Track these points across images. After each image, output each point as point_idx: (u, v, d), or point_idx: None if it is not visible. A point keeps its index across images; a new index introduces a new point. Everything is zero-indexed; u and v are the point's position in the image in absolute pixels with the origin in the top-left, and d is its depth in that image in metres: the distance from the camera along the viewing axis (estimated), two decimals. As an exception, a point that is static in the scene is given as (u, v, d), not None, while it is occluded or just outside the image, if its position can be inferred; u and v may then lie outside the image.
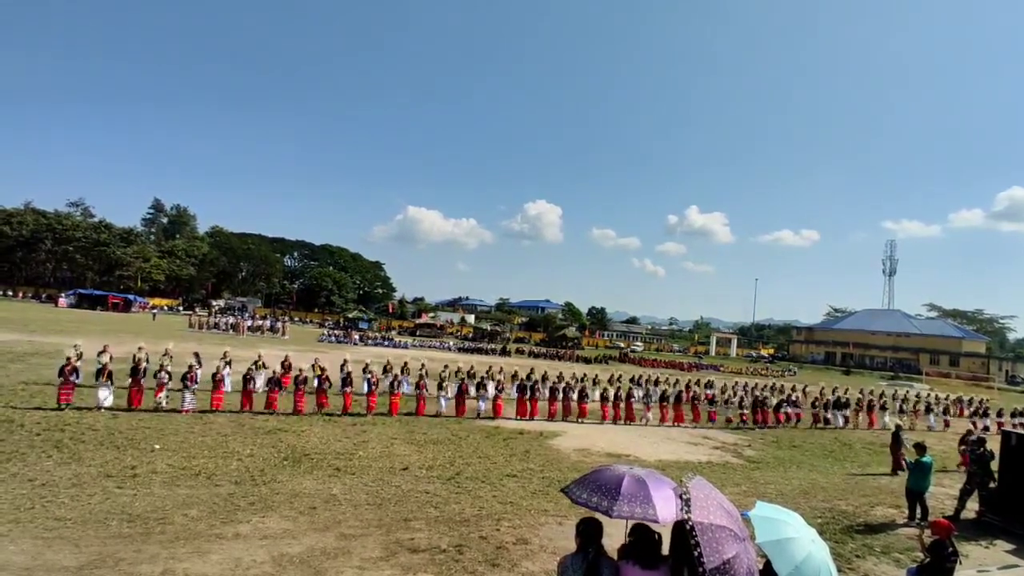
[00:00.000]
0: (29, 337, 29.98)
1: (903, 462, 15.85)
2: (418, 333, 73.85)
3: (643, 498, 3.42)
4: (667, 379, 32.19)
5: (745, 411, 24.05)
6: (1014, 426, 25.63)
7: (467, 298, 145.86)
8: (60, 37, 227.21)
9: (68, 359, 15.47)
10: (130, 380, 15.98)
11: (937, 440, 22.75)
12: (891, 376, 72.26)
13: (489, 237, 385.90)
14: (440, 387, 20.38)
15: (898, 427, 17.51)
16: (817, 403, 26.52)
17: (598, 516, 3.70)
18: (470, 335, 78.14)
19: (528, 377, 24.82)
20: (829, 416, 25.58)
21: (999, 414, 30.59)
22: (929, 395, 39.01)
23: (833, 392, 30.23)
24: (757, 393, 28.65)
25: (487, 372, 24.57)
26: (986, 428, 26.94)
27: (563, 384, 22.63)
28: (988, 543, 10.18)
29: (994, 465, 11.70)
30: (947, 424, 27.91)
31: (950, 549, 6.72)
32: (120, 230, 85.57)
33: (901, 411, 28.79)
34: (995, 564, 8.83)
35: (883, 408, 27.89)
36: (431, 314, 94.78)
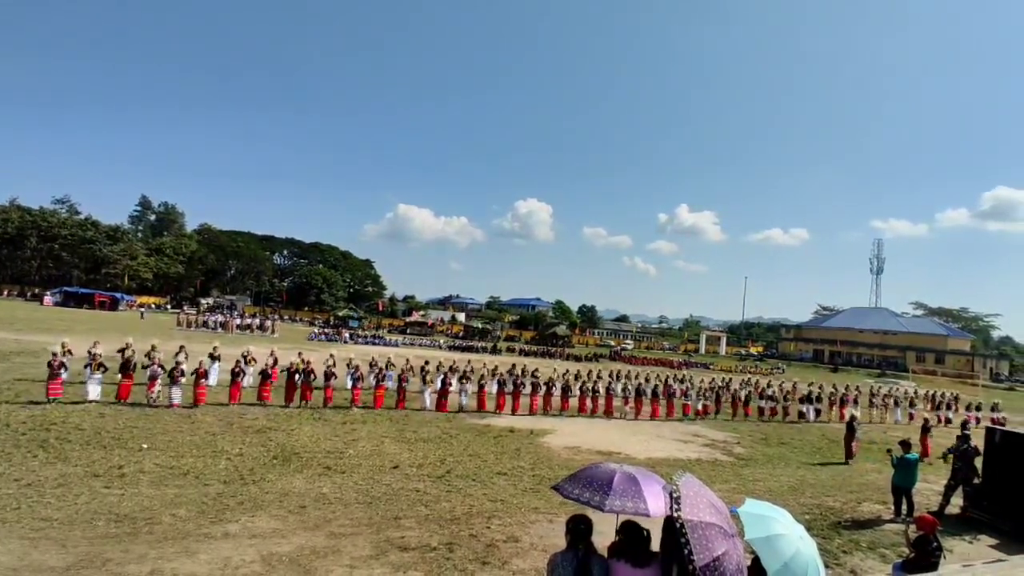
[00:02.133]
0: (14, 336, 29.62)
1: (855, 450, 17.14)
2: (408, 331, 73.63)
3: (634, 493, 3.43)
4: (646, 375, 32.73)
5: (708, 403, 25.00)
6: (993, 420, 26.28)
7: (458, 296, 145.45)
8: (47, 36, 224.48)
9: (54, 354, 15.58)
10: (120, 375, 16.27)
11: (903, 432, 23.09)
12: (878, 373, 72.94)
13: (480, 235, 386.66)
14: (424, 381, 20.58)
15: (852, 418, 18.23)
16: (790, 397, 27.16)
17: (589, 513, 3.72)
18: (461, 333, 78.00)
19: (510, 372, 25.03)
20: (803, 410, 26.41)
21: (967, 408, 31.77)
22: (915, 392, 39.58)
23: (809, 387, 31.13)
24: (720, 384, 29.71)
25: (468, 366, 24.71)
26: (948, 420, 28.70)
27: (545, 379, 22.93)
28: (972, 538, 10.33)
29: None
30: (911, 417, 28.80)
31: (935, 544, 6.81)
32: (107, 227, 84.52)
33: (871, 405, 29.55)
34: (979, 559, 8.94)
35: (855, 402, 28.58)
36: (421, 312, 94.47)
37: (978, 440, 12.64)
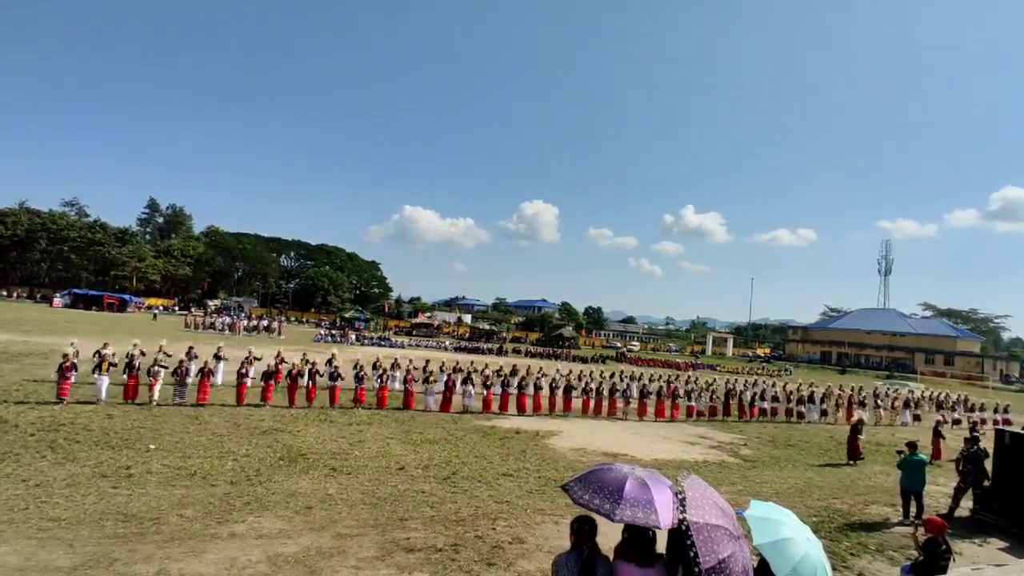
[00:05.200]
0: (24, 337, 29.84)
1: (860, 450, 17.34)
2: (414, 333, 73.75)
3: (646, 503, 3.36)
4: (651, 376, 32.75)
5: (716, 404, 24.85)
6: (1000, 421, 26.16)
7: (464, 298, 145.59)
8: (55, 36, 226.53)
9: (66, 356, 15.81)
10: (126, 375, 16.47)
11: (911, 435, 22.95)
12: (886, 375, 72.42)
13: (486, 237, 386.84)
14: (427, 381, 20.65)
15: (860, 420, 18.50)
16: (792, 398, 27.27)
17: (595, 516, 3.69)
18: (467, 335, 78.02)
19: (513, 372, 25.06)
20: (801, 410, 26.33)
21: (972, 409, 31.61)
22: (923, 394, 39.33)
23: (811, 387, 31.07)
24: (731, 387, 29.39)
25: (471, 367, 24.73)
26: (956, 421, 28.45)
27: (549, 380, 22.94)
28: (982, 541, 10.24)
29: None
30: (918, 419, 28.67)
31: (944, 547, 6.76)
32: (115, 230, 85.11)
33: (877, 407, 29.34)
34: (989, 562, 8.87)
35: (862, 404, 28.40)
36: (428, 314, 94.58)
37: (988, 442, 12.54)
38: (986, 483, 11.58)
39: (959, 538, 9.80)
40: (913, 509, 11.26)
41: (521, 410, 20.94)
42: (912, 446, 11.83)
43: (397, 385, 21.55)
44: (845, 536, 9.87)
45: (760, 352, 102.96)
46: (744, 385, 32.08)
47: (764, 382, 35.78)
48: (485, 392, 21.24)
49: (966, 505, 11.79)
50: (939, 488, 13.79)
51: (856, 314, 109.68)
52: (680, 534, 3.17)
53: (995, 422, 26.48)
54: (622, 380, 28.01)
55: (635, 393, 24.25)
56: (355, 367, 20.09)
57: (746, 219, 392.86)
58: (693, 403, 24.52)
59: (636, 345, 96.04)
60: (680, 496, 3.29)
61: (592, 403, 22.39)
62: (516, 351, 61.21)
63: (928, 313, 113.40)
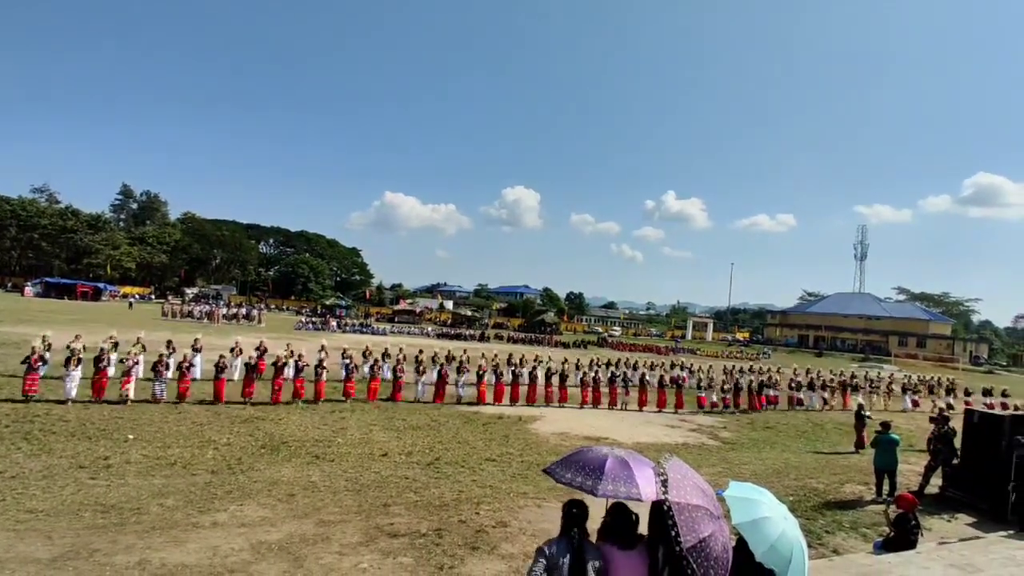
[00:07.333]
0: (-6, 327, 29.11)
1: (865, 440, 16.52)
2: (396, 319, 73.43)
3: (627, 478, 3.44)
4: (646, 363, 32.68)
5: (728, 395, 24.36)
6: (989, 405, 26.68)
7: (445, 284, 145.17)
8: (24, 25, 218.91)
9: (34, 348, 15.15)
10: (94, 370, 15.42)
11: (906, 420, 23.56)
12: (861, 358, 73.95)
13: (468, 223, 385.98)
14: (418, 372, 20.39)
15: (860, 406, 18.15)
16: (793, 385, 27.12)
17: (582, 497, 3.73)
18: (449, 321, 77.90)
19: (508, 362, 24.83)
20: (802, 396, 26.03)
21: (967, 392, 31.99)
22: (896, 376, 40.16)
23: (807, 374, 30.91)
24: (738, 376, 28.82)
25: (465, 356, 24.48)
26: (950, 406, 28.23)
27: (544, 369, 22.75)
28: (950, 517, 10.56)
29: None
30: (915, 404, 28.80)
31: (913, 523, 6.98)
32: (88, 216, 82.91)
33: (872, 391, 29.65)
34: (956, 536, 9.17)
35: (856, 389, 28.57)
36: (409, 300, 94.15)
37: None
38: (955, 461, 11.94)
39: (929, 514, 10.11)
40: (886, 487, 11.57)
41: (515, 400, 20.54)
42: (885, 425, 12.13)
43: (387, 374, 21.09)
44: (821, 514, 10.13)
45: (739, 336, 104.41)
46: (752, 372, 31.40)
47: (769, 370, 34.85)
48: (478, 382, 20.86)
49: (936, 483, 12.14)
50: (910, 467, 14.16)
51: (833, 298, 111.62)
52: (661, 514, 3.23)
53: (988, 406, 26.81)
54: (618, 368, 27.66)
55: (636, 382, 23.88)
56: (343, 356, 19.63)
57: (727, 204, 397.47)
58: (704, 394, 23.84)
59: (617, 330, 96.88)
60: (662, 477, 3.34)
61: (591, 393, 21.77)
62: (498, 337, 61.29)
63: (902, 297, 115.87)
